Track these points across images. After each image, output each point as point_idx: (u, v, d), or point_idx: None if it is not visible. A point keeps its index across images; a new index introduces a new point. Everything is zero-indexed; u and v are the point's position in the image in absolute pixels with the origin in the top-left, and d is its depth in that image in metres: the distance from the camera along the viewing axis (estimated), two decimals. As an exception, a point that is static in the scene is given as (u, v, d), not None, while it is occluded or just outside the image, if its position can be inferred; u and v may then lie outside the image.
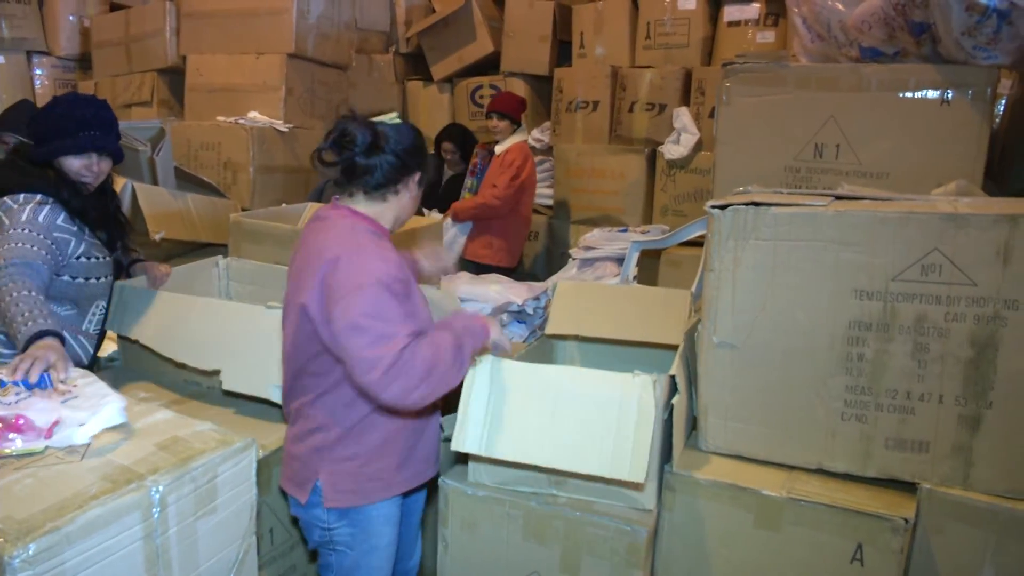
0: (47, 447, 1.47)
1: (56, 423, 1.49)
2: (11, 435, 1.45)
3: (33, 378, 1.63)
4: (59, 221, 2.21)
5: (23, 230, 2.12)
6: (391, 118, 1.88)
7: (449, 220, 4.44)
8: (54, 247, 2.16)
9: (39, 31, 5.75)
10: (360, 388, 1.73)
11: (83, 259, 2.28)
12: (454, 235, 4.50)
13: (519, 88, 5.53)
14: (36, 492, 1.29)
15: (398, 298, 1.73)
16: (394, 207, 1.92)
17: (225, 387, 2.22)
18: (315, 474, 1.86)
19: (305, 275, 1.81)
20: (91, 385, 1.67)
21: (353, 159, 1.84)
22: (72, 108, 2.25)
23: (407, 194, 1.92)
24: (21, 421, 1.47)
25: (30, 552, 1.15)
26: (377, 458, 1.88)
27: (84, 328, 2.38)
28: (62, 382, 1.67)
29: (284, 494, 2.03)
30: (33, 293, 1.95)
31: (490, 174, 4.45)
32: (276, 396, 2.12)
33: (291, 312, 1.87)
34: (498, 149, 4.45)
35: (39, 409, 1.52)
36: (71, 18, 5.81)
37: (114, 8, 5.78)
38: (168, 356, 2.35)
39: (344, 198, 1.91)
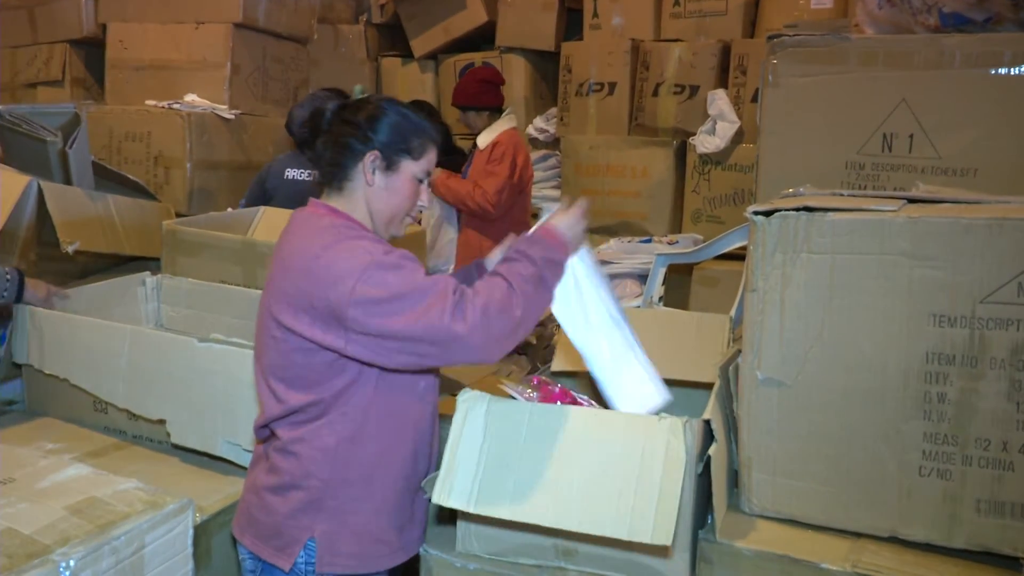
0: None
1: None
2: None
3: None
4: None
5: None
6: (359, 90, 1.91)
7: (436, 207, 4.38)
8: None
9: (-86, -10, 5.73)
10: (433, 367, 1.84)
11: None
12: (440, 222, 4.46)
13: (519, 67, 5.55)
14: (-83, 568, 1.28)
15: (412, 263, 1.78)
16: (358, 199, 1.90)
17: (174, 441, 2.28)
18: (308, 531, 1.84)
19: (279, 287, 1.82)
20: None
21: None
22: None
23: (364, 180, 1.88)
24: None
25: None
26: (384, 513, 1.89)
27: None
28: None
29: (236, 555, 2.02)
30: None
31: (474, 173, 4.32)
32: (227, 452, 2.17)
33: (265, 335, 1.87)
34: (480, 142, 4.35)
35: None
36: (-42, -25, 5.79)
37: (15, -36, 5.76)
38: (107, 400, 2.39)
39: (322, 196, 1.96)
